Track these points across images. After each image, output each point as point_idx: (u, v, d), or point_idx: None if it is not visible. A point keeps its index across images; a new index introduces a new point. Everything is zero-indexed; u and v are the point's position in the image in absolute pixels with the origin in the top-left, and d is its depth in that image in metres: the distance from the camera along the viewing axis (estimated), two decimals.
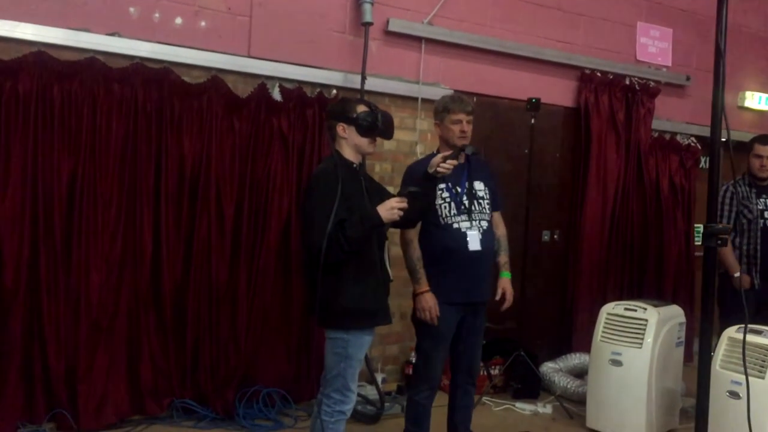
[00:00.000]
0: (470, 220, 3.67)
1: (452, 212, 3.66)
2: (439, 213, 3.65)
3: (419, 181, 3.35)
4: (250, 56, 4.57)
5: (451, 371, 3.90)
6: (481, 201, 3.74)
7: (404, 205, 3.13)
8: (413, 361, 4.78)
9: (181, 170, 4.31)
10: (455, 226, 3.65)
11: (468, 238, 3.63)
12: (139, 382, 4.24)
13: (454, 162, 3.29)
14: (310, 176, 3.31)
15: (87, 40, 4.06)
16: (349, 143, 3.26)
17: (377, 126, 3.23)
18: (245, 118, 4.48)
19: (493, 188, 3.85)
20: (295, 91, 4.64)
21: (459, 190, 3.69)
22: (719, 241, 2.65)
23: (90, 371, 4.07)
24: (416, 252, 3.64)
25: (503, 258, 3.92)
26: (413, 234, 3.65)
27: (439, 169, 3.26)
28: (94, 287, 4.05)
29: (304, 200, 3.28)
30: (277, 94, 4.61)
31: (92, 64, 4.02)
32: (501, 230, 3.94)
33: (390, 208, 3.11)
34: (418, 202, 3.28)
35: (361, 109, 3.26)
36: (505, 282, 3.87)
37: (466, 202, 3.68)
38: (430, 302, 3.58)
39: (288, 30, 4.68)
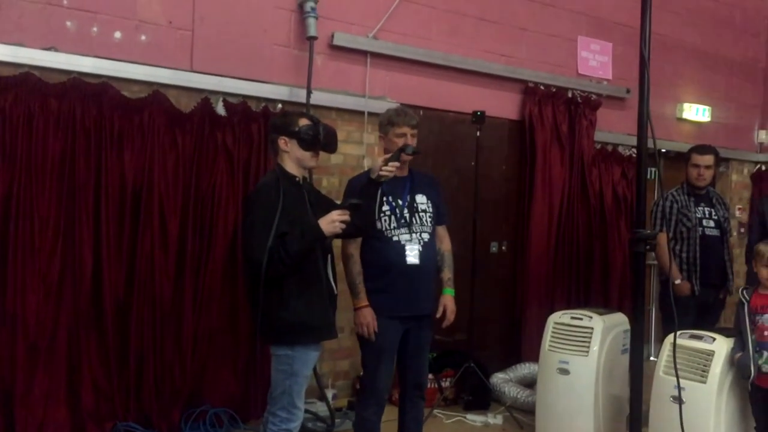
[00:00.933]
0: (410, 233, 3.65)
1: (392, 225, 3.64)
2: (380, 226, 3.63)
3: (363, 187, 3.35)
4: (192, 70, 4.51)
5: (400, 385, 3.89)
6: (422, 214, 3.72)
7: (346, 217, 3.12)
8: None
9: (123, 186, 4.22)
10: (395, 239, 3.63)
11: (407, 251, 3.61)
12: (80, 405, 4.10)
13: (397, 164, 3.29)
14: (249, 191, 3.28)
15: (22, 54, 3.95)
16: (291, 157, 3.24)
17: (319, 140, 3.23)
18: (188, 133, 4.42)
19: (437, 202, 3.83)
20: (240, 106, 4.59)
21: (400, 203, 3.67)
22: (648, 246, 2.72)
23: (28, 395, 3.93)
24: (356, 266, 3.61)
25: (446, 274, 3.88)
26: (354, 248, 3.62)
27: (380, 172, 3.27)
28: (31, 308, 3.92)
29: (244, 215, 3.24)
30: (221, 109, 4.56)
31: (27, 79, 3.91)
32: (446, 245, 3.91)
33: (331, 221, 3.09)
34: (361, 213, 3.27)
35: (303, 122, 3.25)
36: (447, 299, 3.82)
37: (407, 215, 3.67)
38: (367, 317, 3.56)
39: (231, 44, 4.64)
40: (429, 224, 3.74)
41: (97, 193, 4.14)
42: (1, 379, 3.88)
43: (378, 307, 3.57)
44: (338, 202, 3.85)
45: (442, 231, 3.89)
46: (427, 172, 5.47)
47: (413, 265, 3.61)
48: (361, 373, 4.05)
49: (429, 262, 3.72)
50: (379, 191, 3.42)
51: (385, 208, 3.65)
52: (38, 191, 3.95)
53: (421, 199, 3.76)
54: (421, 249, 3.65)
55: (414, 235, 3.65)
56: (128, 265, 4.25)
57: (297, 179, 3.27)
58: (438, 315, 3.79)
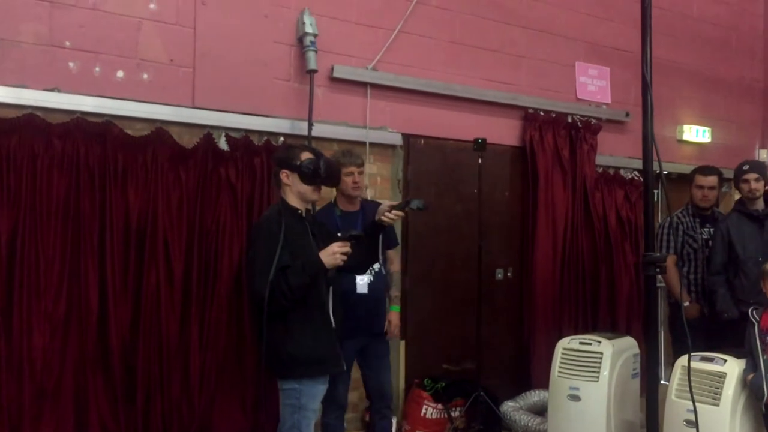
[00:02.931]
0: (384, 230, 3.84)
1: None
2: None
3: (366, 228, 3.41)
4: (194, 107, 4.54)
5: (368, 400, 4.35)
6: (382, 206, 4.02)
7: (347, 249, 3.13)
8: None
9: (127, 224, 4.22)
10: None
11: (357, 282, 4.03)
12: None
13: (401, 213, 3.40)
14: (252, 224, 3.30)
15: (25, 96, 3.99)
16: (293, 190, 3.26)
17: (319, 174, 3.23)
18: (192, 168, 4.43)
19: (387, 229, 4.07)
20: (242, 140, 4.62)
21: (356, 231, 3.86)
22: (658, 269, 2.71)
23: None
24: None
25: (394, 292, 4.39)
26: None
27: (383, 218, 3.29)
28: (38, 349, 3.90)
29: (248, 249, 3.26)
30: (223, 144, 4.58)
31: (31, 120, 3.94)
32: (395, 266, 4.44)
33: (332, 254, 3.10)
34: (363, 249, 3.29)
35: (306, 156, 3.27)
36: (393, 315, 4.32)
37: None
38: None
39: (232, 79, 4.68)
40: (380, 252, 4.03)
41: (101, 231, 4.14)
42: (9, 424, 3.83)
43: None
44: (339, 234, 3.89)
45: (392, 254, 4.42)
46: (429, 203, 5.54)
47: (362, 294, 4.06)
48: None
49: (378, 290, 4.17)
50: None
51: None
52: (43, 231, 3.96)
53: None
54: (371, 279, 4.09)
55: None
56: (134, 302, 4.24)
57: (300, 212, 3.28)
58: (384, 329, 4.27)
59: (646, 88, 2.61)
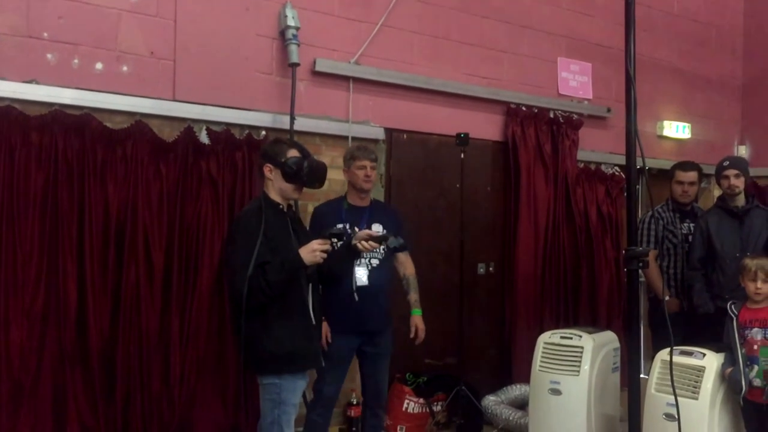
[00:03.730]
0: (359, 258, 3.84)
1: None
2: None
3: (341, 250, 3.37)
4: (175, 100, 4.50)
5: (362, 395, 4.28)
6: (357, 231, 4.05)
7: (327, 247, 3.11)
8: (354, 402, 4.76)
9: (106, 218, 4.17)
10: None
11: (356, 275, 3.96)
12: None
13: (375, 245, 3.43)
14: (233, 219, 3.27)
15: (3, 88, 3.92)
16: (275, 186, 3.24)
17: (302, 175, 3.21)
18: (172, 162, 4.39)
19: (396, 230, 4.10)
20: (223, 134, 4.58)
21: (357, 230, 3.92)
22: (640, 263, 2.73)
23: None
24: None
25: (413, 296, 4.32)
26: None
27: (358, 245, 3.31)
28: (15, 345, 3.85)
29: (227, 244, 3.23)
30: (204, 137, 4.54)
31: (8, 112, 3.87)
32: (409, 270, 4.35)
33: (312, 251, 3.08)
34: (342, 246, 3.28)
35: (292, 154, 3.24)
36: (417, 319, 4.29)
37: (338, 243, 3.82)
38: (323, 329, 3.82)
39: (213, 72, 4.64)
40: (380, 251, 4.07)
41: (80, 225, 4.09)
42: None
43: (330, 322, 3.90)
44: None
45: (403, 257, 4.35)
46: (411, 197, 5.52)
47: (363, 286, 3.98)
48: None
49: (379, 285, 4.08)
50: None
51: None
52: (21, 225, 3.90)
53: (376, 227, 4.12)
54: (369, 272, 4.02)
55: (363, 260, 3.99)
56: (113, 297, 4.19)
57: (281, 207, 3.25)
58: (411, 335, 4.27)
59: (629, 82, 2.63)
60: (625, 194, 6.60)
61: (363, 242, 3.29)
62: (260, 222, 3.06)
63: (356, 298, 3.96)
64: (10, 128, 3.88)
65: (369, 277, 4.02)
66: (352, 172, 4.17)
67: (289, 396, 3.13)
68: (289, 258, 3.06)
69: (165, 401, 4.30)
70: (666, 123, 7.13)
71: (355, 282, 3.96)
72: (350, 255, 3.41)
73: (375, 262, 4.08)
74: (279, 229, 3.17)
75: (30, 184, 3.94)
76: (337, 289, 3.87)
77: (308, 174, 3.23)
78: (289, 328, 3.11)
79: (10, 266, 3.86)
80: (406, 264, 4.35)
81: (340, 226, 3.85)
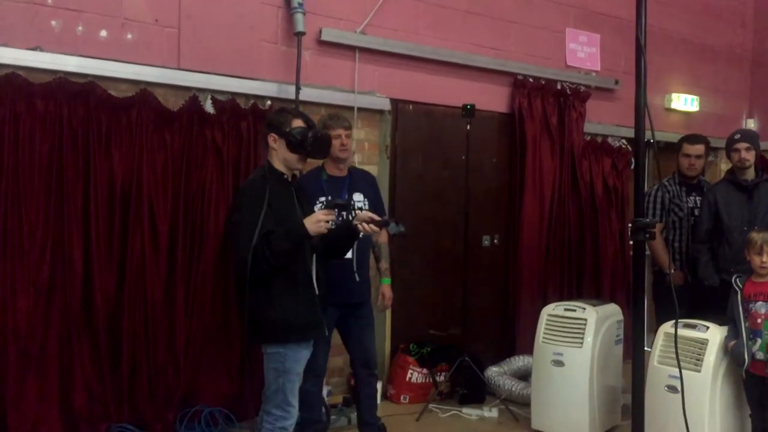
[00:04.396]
0: (358, 239, 3.74)
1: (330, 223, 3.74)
2: None
3: (340, 227, 3.32)
4: (180, 68, 4.47)
5: (352, 368, 4.28)
6: (358, 212, 3.95)
7: (332, 217, 3.09)
8: None
9: (111, 187, 4.17)
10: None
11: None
12: (72, 408, 4.06)
13: (376, 229, 3.30)
14: (237, 188, 3.25)
15: (7, 55, 3.90)
16: (279, 155, 3.22)
17: (305, 145, 3.18)
18: (177, 131, 4.37)
19: (374, 199, 4.17)
20: (228, 103, 4.56)
21: (341, 200, 3.84)
22: (647, 235, 2.71)
23: (20, 400, 3.88)
24: None
25: (383, 264, 4.31)
26: None
27: (359, 227, 3.23)
28: (22, 313, 3.87)
29: (231, 213, 3.21)
30: (209, 107, 4.52)
31: (12, 80, 3.85)
32: (383, 238, 4.28)
33: (316, 221, 3.06)
34: (342, 225, 3.26)
35: (297, 124, 3.21)
36: (385, 287, 4.30)
37: (344, 213, 3.81)
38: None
39: (218, 41, 4.60)
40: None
41: (85, 194, 4.09)
42: None
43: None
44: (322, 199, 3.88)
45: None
46: (416, 169, 5.50)
47: (346, 259, 3.93)
48: None
49: (362, 257, 4.08)
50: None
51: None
52: (26, 193, 3.90)
53: (357, 197, 4.11)
54: (354, 245, 3.88)
55: None
56: (119, 266, 4.21)
57: (285, 177, 3.24)
58: (378, 302, 4.30)
59: (640, 52, 2.59)
60: (632, 167, 6.60)
61: (364, 224, 3.24)
62: (264, 191, 3.05)
63: (354, 272, 3.96)
64: (15, 96, 3.86)
65: (353, 251, 3.96)
66: None
67: (293, 365, 3.15)
68: (293, 228, 3.05)
69: (170, 369, 4.34)
70: (674, 95, 7.07)
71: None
72: (350, 234, 3.34)
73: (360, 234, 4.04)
74: (283, 199, 3.16)
75: (35, 151, 3.93)
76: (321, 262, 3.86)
77: (312, 144, 3.21)
78: (294, 297, 3.12)
79: (16, 234, 3.87)
80: (380, 232, 4.19)
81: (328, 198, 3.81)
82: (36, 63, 3.98)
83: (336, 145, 3.99)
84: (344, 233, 3.32)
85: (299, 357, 3.18)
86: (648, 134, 2.70)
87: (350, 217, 3.36)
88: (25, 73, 3.93)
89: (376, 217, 3.30)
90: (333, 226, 3.17)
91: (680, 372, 3.11)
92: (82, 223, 4.08)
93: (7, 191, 3.85)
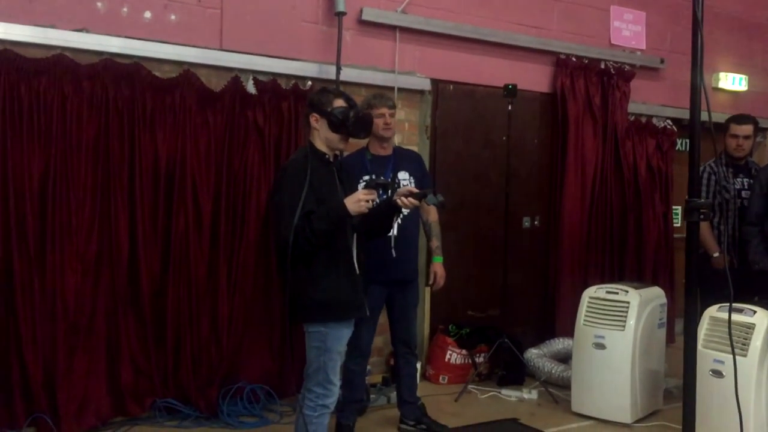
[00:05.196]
0: (400, 214, 3.73)
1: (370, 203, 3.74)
2: None
3: (383, 205, 3.29)
4: (222, 49, 4.51)
5: (393, 346, 4.31)
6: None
7: (373, 197, 3.08)
8: None
9: (156, 167, 4.24)
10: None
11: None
12: (119, 383, 4.17)
13: (415, 202, 3.26)
14: (279, 168, 3.25)
15: (54, 36, 3.97)
16: (321, 135, 3.21)
17: (347, 125, 3.17)
18: (219, 112, 4.42)
19: (420, 177, 4.16)
20: (270, 84, 4.58)
21: (383, 179, 3.85)
22: (701, 215, 2.65)
23: (69, 374, 4.00)
24: None
25: (434, 243, 4.30)
26: None
27: (398, 201, 3.21)
28: (70, 288, 3.98)
29: (273, 193, 3.22)
30: (251, 87, 4.55)
31: (60, 61, 3.93)
32: (433, 216, 4.28)
33: (357, 201, 3.05)
34: (382, 202, 3.25)
35: (338, 103, 3.20)
36: (437, 266, 4.27)
37: (388, 192, 3.74)
38: None
39: (260, 22, 4.62)
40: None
41: (131, 173, 4.17)
42: (43, 359, 3.94)
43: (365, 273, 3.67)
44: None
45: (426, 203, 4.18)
46: (456, 149, 5.47)
47: (391, 236, 3.93)
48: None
49: (408, 234, 4.09)
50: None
51: None
52: (74, 172, 3.99)
53: (402, 175, 4.10)
54: (399, 222, 3.92)
55: None
56: (163, 244, 4.29)
57: (327, 157, 3.24)
58: (430, 282, 4.29)
59: (697, 26, 2.50)
60: (678, 147, 6.47)
61: (403, 198, 3.23)
62: (306, 171, 3.06)
63: (391, 248, 3.95)
64: (63, 76, 3.93)
65: (399, 228, 3.97)
66: None
67: (334, 343, 3.17)
68: (333, 207, 3.06)
69: (213, 346, 4.41)
70: (722, 75, 6.90)
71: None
72: (390, 211, 3.33)
73: (405, 211, 3.92)
74: (325, 180, 3.17)
75: (82, 131, 4.01)
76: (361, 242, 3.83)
77: (354, 124, 3.20)
78: (335, 277, 3.13)
79: (64, 212, 3.96)
80: (429, 210, 4.24)
81: (368, 177, 3.80)
82: (82, 44, 4.05)
83: (379, 124, 3.97)
84: (385, 211, 3.31)
85: (340, 336, 3.20)
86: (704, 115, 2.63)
87: (392, 196, 3.34)
88: (72, 54, 4.00)
89: (415, 190, 3.29)
90: (373, 206, 3.16)
91: (734, 357, 3.05)
92: (128, 202, 4.16)
93: (56, 170, 3.93)
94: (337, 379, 3.22)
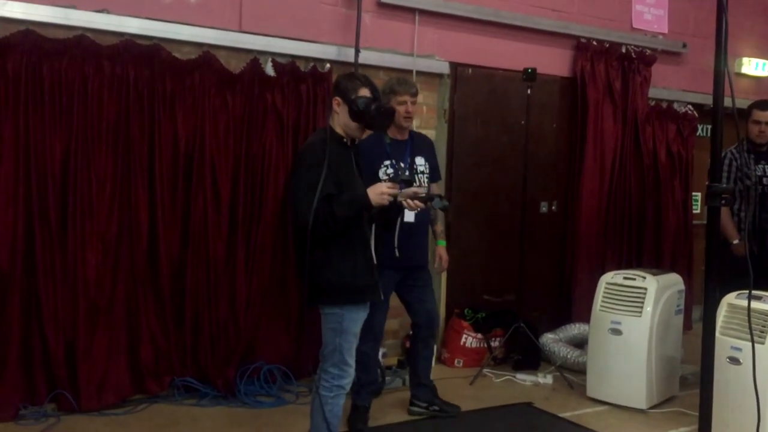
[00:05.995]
0: (403, 213, 3.75)
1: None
2: None
3: (387, 207, 3.23)
4: (241, 31, 4.51)
5: (412, 328, 4.32)
6: (420, 176, 4.10)
7: (395, 191, 3.10)
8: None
9: (175, 148, 4.27)
10: (398, 199, 3.66)
11: (405, 211, 3.70)
12: (139, 361, 4.23)
13: (420, 204, 3.29)
14: (297, 150, 3.25)
15: (75, 17, 3.99)
16: (340, 120, 3.20)
17: (366, 117, 3.15)
18: (238, 94, 4.43)
19: (434, 163, 4.20)
20: (288, 66, 4.58)
21: (402, 165, 3.91)
22: (723, 201, 2.63)
23: (89, 352, 4.06)
24: None
25: (439, 227, 4.34)
26: None
27: (404, 203, 3.22)
28: (91, 267, 4.03)
29: (291, 175, 3.23)
30: (270, 69, 4.55)
31: (81, 41, 3.95)
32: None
33: (380, 193, 3.07)
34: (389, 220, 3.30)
35: (363, 93, 3.17)
36: (441, 250, 4.31)
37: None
38: None
39: (279, 4, 4.61)
40: (426, 184, 4.10)
41: (150, 154, 4.20)
42: (64, 336, 4.00)
43: (378, 258, 3.63)
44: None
45: (435, 187, 4.28)
46: (475, 133, 5.44)
47: (409, 223, 3.95)
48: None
49: (424, 220, 4.10)
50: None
51: (389, 171, 3.93)
52: (95, 153, 4.03)
53: (419, 161, 4.13)
54: (398, 220, 3.85)
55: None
56: (182, 225, 4.32)
57: (345, 140, 3.24)
58: (435, 265, 4.32)
59: (721, 10, 2.47)
60: (699, 132, 6.39)
61: (408, 201, 3.23)
62: (324, 154, 3.07)
63: (400, 235, 3.94)
64: (84, 57, 3.96)
65: (416, 215, 3.93)
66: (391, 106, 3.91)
67: (350, 325, 3.19)
68: (356, 197, 3.08)
69: (231, 327, 4.46)
70: (745, 60, 6.80)
71: (402, 218, 3.89)
72: (395, 210, 3.34)
73: (409, 215, 3.96)
74: (343, 163, 3.17)
75: (103, 112, 4.04)
76: (388, 226, 3.77)
77: (374, 117, 3.17)
78: (352, 261, 3.15)
79: (85, 192, 4.00)
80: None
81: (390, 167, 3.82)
82: (103, 25, 4.06)
83: (401, 111, 3.95)
84: (390, 208, 3.29)
85: (356, 318, 3.22)
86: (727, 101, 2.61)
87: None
88: (93, 35, 4.02)
89: (420, 191, 3.32)
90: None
91: (752, 344, 3.03)
92: (147, 182, 4.20)
93: (77, 150, 3.97)
94: (352, 361, 3.25)
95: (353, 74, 3.45)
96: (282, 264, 4.61)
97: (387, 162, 3.95)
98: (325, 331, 3.22)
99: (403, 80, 4.15)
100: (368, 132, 3.41)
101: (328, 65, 4.74)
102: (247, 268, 4.49)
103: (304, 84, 4.61)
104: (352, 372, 3.25)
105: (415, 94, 4.06)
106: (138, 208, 4.17)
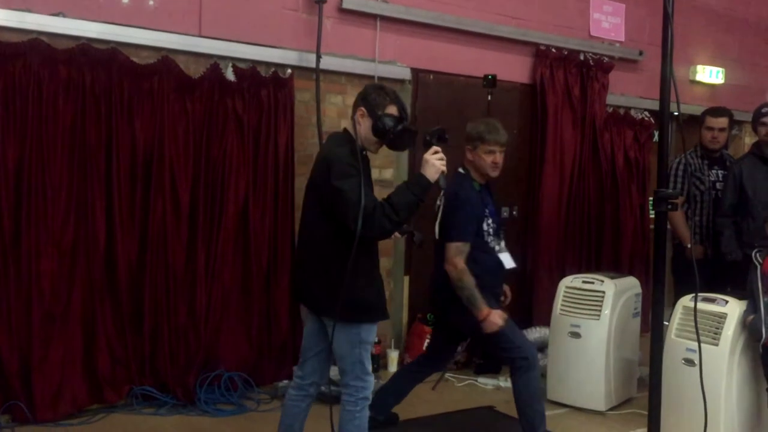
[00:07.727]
0: (499, 241, 3.85)
1: (491, 236, 3.82)
2: (485, 239, 3.79)
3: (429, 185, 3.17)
4: (201, 35, 4.47)
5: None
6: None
7: (440, 153, 3.05)
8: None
9: (134, 154, 4.21)
10: (496, 248, 3.84)
11: (503, 258, 3.84)
12: (96, 371, 4.15)
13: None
14: (325, 157, 3.13)
15: (30, 20, 3.92)
16: (361, 132, 3.12)
17: (387, 136, 3.08)
18: (198, 99, 4.39)
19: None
20: (249, 71, 4.56)
21: (486, 211, 3.82)
22: (669, 206, 2.69)
23: (44, 361, 3.97)
24: (471, 278, 3.65)
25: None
26: (463, 261, 3.66)
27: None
28: (46, 275, 3.95)
29: (332, 180, 2.99)
30: (230, 75, 4.52)
31: (36, 45, 3.88)
32: None
33: (432, 165, 3.01)
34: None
35: (391, 110, 3.10)
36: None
37: (495, 226, 3.86)
38: (498, 319, 3.72)
39: (240, 8, 4.59)
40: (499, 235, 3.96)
41: (108, 160, 4.14)
42: (18, 346, 3.91)
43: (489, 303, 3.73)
44: None
45: None
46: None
47: (510, 269, 3.90)
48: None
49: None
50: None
51: (490, 220, 3.83)
52: (50, 159, 3.95)
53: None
54: (509, 253, 3.90)
55: (502, 243, 3.90)
56: (141, 231, 4.26)
57: (365, 153, 3.18)
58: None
59: (667, 20, 2.53)
60: (655, 139, 6.52)
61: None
62: (359, 162, 3.00)
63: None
64: (39, 61, 3.89)
65: (515, 260, 3.96)
66: (477, 154, 3.76)
67: (368, 335, 3.14)
68: (412, 180, 3.05)
69: (191, 334, 4.40)
70: (699, 68, 6.97)
71: (505, 266, 3.89)
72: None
73: (503, 242, 3.93)
74: (367, 172, 3.13)
75: (58, 117, 3.97)
76: (495, 276, 3.86)
77: (395, 138, 3.10)
78: (378, 281, 3.16)
79: (40, 198, 3.92)
80: None
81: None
82: (58, 29, 3.99)
83: (488, 162, 3.75)
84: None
85: (372, 328, 3.16)
86: (673, 106, 2.67)
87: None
88: (48, 38, 3.95)
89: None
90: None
91: (698, 345, 3.10)
92: (104, 189, 4.13)
93: (31, 156, 3.89)
94: (370, 368, 3.19)
95: (383, 88, 3.24)
96: (243, 270, 4.58)
97: (486, 211, 3.81)
98: (342, 346, 3.09)
99: (494, 127, 3.80)
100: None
101: (289, 70, 4.73)
102: (207, 274, 4.44)
103: (265, 89, 4.59)
104: (372, 380, 3.18)
105: (504, 144, 3.77)
106: (95, 215, 4.10)
